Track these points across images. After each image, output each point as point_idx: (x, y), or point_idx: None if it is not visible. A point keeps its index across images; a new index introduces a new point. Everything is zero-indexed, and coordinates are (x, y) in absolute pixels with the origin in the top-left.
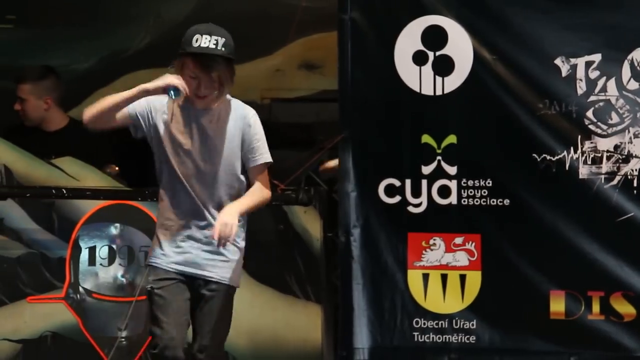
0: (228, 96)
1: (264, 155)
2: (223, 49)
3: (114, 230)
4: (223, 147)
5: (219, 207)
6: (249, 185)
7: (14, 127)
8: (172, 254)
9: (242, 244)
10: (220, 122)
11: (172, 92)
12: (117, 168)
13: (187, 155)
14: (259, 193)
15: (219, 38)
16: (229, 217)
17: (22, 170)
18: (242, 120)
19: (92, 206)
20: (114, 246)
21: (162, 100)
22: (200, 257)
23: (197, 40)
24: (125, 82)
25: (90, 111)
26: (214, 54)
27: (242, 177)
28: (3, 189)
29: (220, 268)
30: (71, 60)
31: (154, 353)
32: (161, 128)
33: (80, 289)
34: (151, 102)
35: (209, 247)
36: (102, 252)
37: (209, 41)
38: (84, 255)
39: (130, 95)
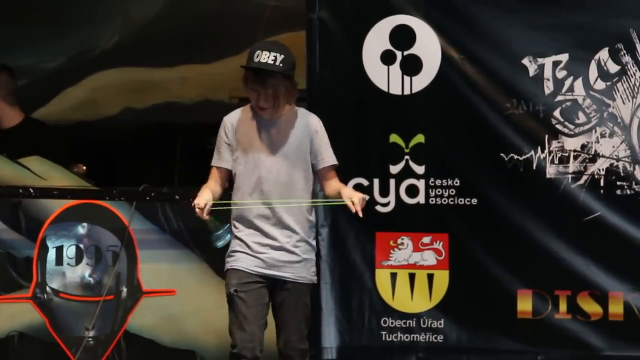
0: (295, 107)
1: (332, 157)
2: (281, 64)
3: (82, 229)
4: (292, 154)
5: (291, 210)
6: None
7: None
8: (251, 258)
9: (314, 242)
10: (287, 131)
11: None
12: (84, 168)
13: (260, 163)
14: (345, 188)
15: (278, 54)
16: (359, 194)
17: None
18: (308, 127)
19: (59, 205)
20: (82, 246)
21: (232, 121)
22: (278, 259)
23: (257, 56)
24: (93, 81)
25: None
26: (270, 69)
27: (311, 181)
28: None
29: (296, 268)
30: (39, 60)
31: (233, 352)
32: (238, 144)
33: (48, 288)
34: (228, 131)
35: (284, 249)
36: (70, 251)
37: (268, 57)
38: (51, 254)
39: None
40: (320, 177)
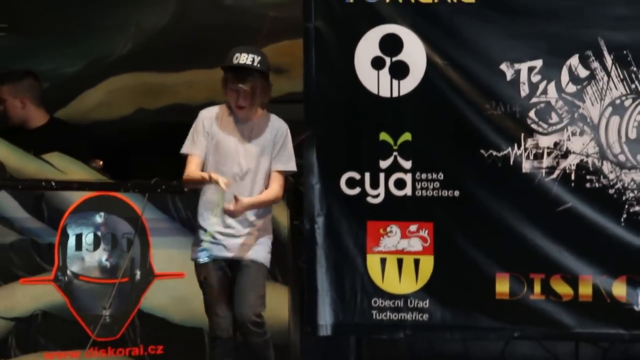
0: (267, 112)
1: (286, 163)
2: (258, 65)
3: (99, 218)
4: (260, 154)
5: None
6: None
7: (8, 127)
8: (215, 246)
9: (270, 229)
10: (258, 132)
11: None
12: (101, 162)
13: (231, 159)
14: (273, 193)
15: (255, 56)
16: (240, 206)
17: (14, 165)
18: (277, 132)
19: (78, 197)
20: (99, 233)
21: (211, 115)
22: (238, 243)
23: (236, 58)
24: (109, 85)
25: (185, 187)
26: (250, 68)
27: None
28: None
29: (253, 250)
30: (59, 65)
31: (210, 336)
32: (214, 134)
33: (68, 271)
34: (206, 123)
35: (243, 235)
36: (88, 238)
37: (247, 58)
38: (71, 241)
39: (199, 180)
40: (270, 177)
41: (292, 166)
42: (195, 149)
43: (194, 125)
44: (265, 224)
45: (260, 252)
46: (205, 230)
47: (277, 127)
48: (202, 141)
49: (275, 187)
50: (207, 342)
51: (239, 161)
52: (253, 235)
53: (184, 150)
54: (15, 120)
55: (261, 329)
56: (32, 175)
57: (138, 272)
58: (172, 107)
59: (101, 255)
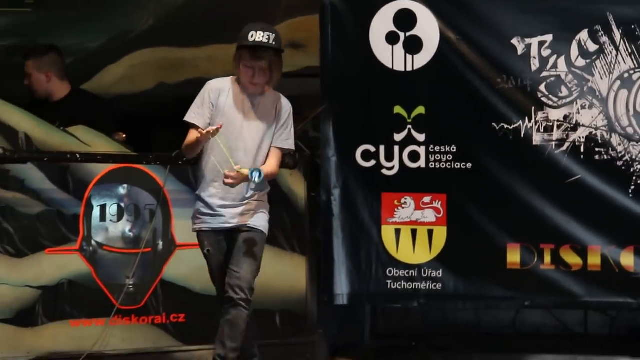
0: (272, 90)
1: (285, 142)
2: (274, 42)
3: (122, 190)
4: (264, 130)
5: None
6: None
7: (33, 100)
8: (216, 217)
9: (266, 198)
10: (264, 109)
11: (256, 174)
12: (124, 135)
13: (236, 134)
14: (270, 169)
15: (270, 34)
16: (239, 175)
17: (40, 138)
18: (281, 110)
19: (102, 169)
20: (122, 204)
21: (219, 87)
22: (237, 213)
23: (252, 36)
24: (131, 59)
25: (185, 155)
26: (267, 46)
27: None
28: (24, 154)
29: (252, 218)
30: (83, 40)
31: (219, 298)
32: (220, 107)
33: (93, 242)
34: (212, 94)
35: (242, 204)
36: (112, 209)
37: (262, 36)
38: (96, 212)
39: (195, 144)
40: (270, 152)
41: (290, 144)
42: (199, 120)
43: (200, 95)
44: (262, 198)
45: (261, 219)
46: (204, 202)
47: (282, 105)
48: (207, 113)
49: (273, 163)
50: None
51: (243, 136)
52: (252, 205)
53: (188, 118)
54: (41, 94)
55: (250, 295)
56: (57, 147)
57: (160, 243)
58: (192, 81)
59: (124, 226)
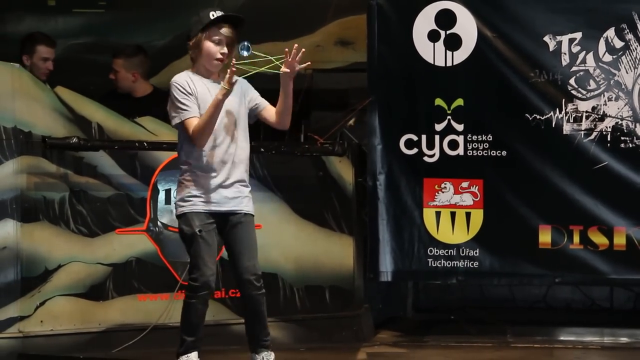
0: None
1: (264, 101)
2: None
3: None
4: (236, 108)
5: (241, 155)
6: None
7: (109, 93)
8: (207, 200)
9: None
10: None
11: (244, 49)
12: None
13: (220, 117)
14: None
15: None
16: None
17: (111, 127)
18: (241, 85)
19: (167, 156)
20: None
21: (185, 78)
22: (230, 196)
23: (212, 15)
24: None
25: (201, 140)
26: (230, 15)
27: (247, 130)
28: (96, 142)
29: (246, 201)
30: (151, 38)
31: (195, 285)
32: (196, 97)
33: (159, 223)
34: (184, 85)
35: (235, 187)
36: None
37: (221, 13)
38: (161, 195)
39: (214, 110)
40: (266, 114)
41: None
42: (194, 112)
43: (177, 94)
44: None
45: (252, 204)
46: (198, 185)
47: (240, 80)
48: (194, 101)
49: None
50: (280, 286)
51: (223, 120)
52: (243, 188)
53: (184, 117)
54: (124, 90)
55: (261, 282)
56: (126, 136)
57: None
58: (250, 76)
59: None
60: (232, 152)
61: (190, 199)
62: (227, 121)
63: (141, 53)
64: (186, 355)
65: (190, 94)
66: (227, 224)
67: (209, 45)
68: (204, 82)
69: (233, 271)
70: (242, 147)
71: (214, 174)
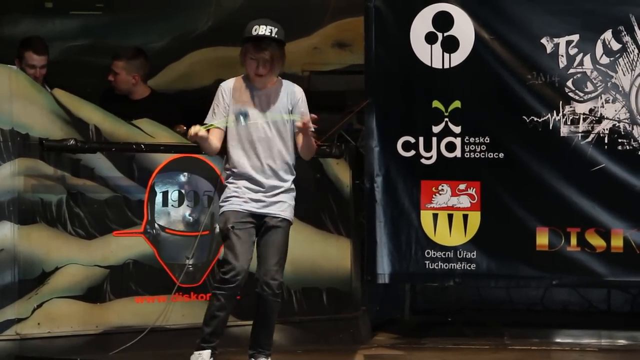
0: (280, 78)
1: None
2: (276, 35)
3: (183, 178)
4: (278, 120)
5: (277, 162)
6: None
7: (106, 94)
8: (245, 201)
9: (293, 187)
10: (275, 98)
11: (242, 117)
12: (185, 128)
13: (252, 128)
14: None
15: (272, 27)
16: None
17: (108, 129)
18: (293, 96)
19: (165, 158)
20: (183, 191)
21: (229, 86)
22: (266, 201)
23: (255, 30)
24: (191, 58)
25: (205, 151)
26: (269, 38)
27: (291, 141)
28: (94, 144)
29: (280, 207)
30: (149, 40)
31: (224, 278)
32: (234, 104)
33: (156, 225)
34: (226, 95)
35: (271, 193)
36: (173, 195)
37: (265, 30)
38: (159, 198)
39: (199, 142)
40: (298, 140)
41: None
42: (216, 121)
43: (215, 98)
44: (292, 181)
45: (290, 210)
46: (238, 187)
47: (292, 90)
48: (222, 113)
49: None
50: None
51: (258, 127)
52: (282, 192)
53: (206, 121)
54: (123, 92)
55: (279, 290)
56: (124, 138)
57: (217, 226)
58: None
59: (185, 211)
60: (270, 160)
61: (229, 199)
62: (264, 131)
63: (142, 56)
64: (199, 352)
65: (223, 102)
66: (263, 226)
67: (247, 61)
68: (251, 89)
69: (257, 272)
70: (280, 155)
71: (251, 179)
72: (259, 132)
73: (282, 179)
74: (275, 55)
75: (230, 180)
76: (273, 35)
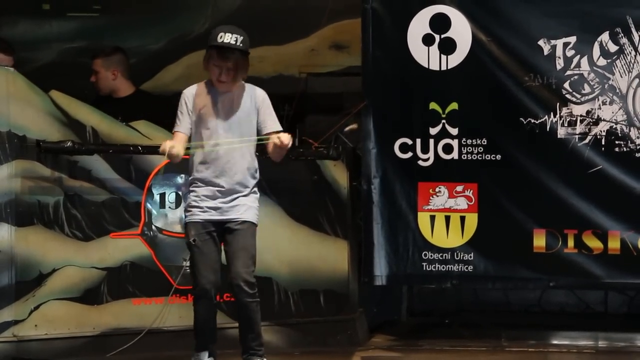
0: (242, 82)
1: (274, 124)
2: (240, 45)
3: (180, 179)
4: (242, 122)
5: (238, 167)
6: None
7: (99, 96)
8: (205, 210)
9: (256, 189)
10: (238, 102)
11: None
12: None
13: (216, 129)
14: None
15: (238, 36)
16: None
17: (105, 131)
18: (255, 99)
19: (162, 160)
20: (180, 193)
21: (191, 92)
22: (228, 206)
23: (221, 37)
24: (188, 60)
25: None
26: (233, 47)
27: (254, 146)
28: (91, 146)
29: (242, 210)
30: (146, 42)
31: (194, 293)
32: (195, 111)
33: (153, 227)
34: (188, 101)
35: (233, 197)
36: (171, 197)
37: (230, 38)
38: (156, 199)
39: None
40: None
41: (278, 126)
42: (180, 127)
43: (179, 105)
44: (254, 185)
45: (251, 212)
46: (197, 195)
47: (255, 93)
48: (186, 119)
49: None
50: (275, 290)
51: (219, 133)
52: (241, 196)
53: (174, 129)
54: (106, 90)
55: (253, 289)
56: (121, 140)
57: None
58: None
59: (182, 213)
60: (231, 163)
61: (190, 209)
62: (224, 133)
63: (119, 51)
64: (197, 354)
65: (186, 109)
66: (225, 232)
67: (211, 68)
68: (213, 93)
69: (227, 277)
70: (241, 158)
71: (211, 185)
72: (223, 138)
73: (244, 185)
74: (239, 63)
75: (191, 187)
76: (238, 44)
